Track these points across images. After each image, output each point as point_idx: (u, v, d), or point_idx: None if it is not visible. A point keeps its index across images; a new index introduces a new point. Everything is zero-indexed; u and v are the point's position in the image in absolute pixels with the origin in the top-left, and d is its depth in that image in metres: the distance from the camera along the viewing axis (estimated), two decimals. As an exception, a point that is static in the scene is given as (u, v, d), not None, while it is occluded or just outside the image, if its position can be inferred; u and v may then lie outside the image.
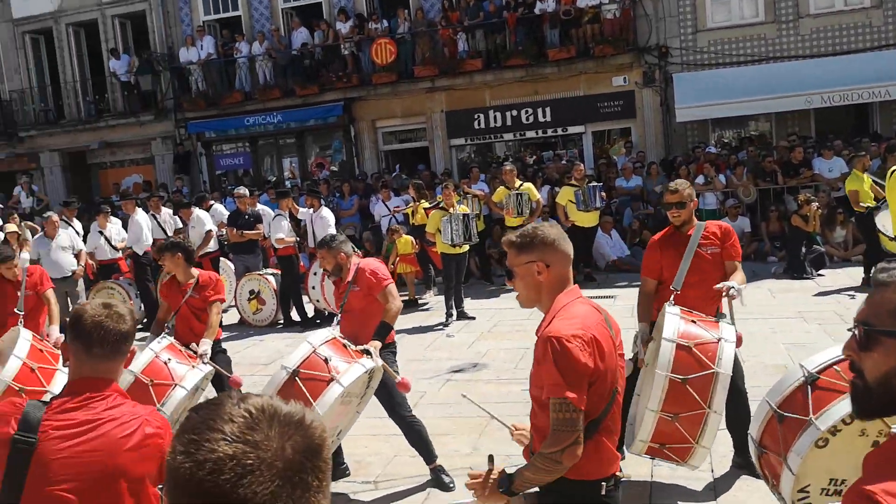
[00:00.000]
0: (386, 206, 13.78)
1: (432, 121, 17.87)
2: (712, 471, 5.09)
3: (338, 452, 5.55)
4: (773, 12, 15.70)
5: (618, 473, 2.77)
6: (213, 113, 19.11)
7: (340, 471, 5.56)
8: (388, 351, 5.25)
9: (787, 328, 8.48)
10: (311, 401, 4.33)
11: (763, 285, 10.86)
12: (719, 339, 4.18)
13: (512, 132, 17.55)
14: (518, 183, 11.84)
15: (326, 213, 10.88)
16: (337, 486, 5.41)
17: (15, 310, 6.50)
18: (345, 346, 4.76)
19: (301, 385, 4.40)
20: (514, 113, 17.22)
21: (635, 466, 4.87)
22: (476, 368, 7.98)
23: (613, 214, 13.82)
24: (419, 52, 17.24)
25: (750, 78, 15.26)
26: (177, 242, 6.31)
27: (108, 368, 2.36)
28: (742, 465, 4.95)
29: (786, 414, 3.03)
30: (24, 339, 5.85)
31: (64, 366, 5.90)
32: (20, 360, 5.62)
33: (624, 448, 4.32)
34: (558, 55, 16.26)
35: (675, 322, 4.26)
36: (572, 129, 17.26)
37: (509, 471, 2.71)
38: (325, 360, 4.53)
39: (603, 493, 2.69)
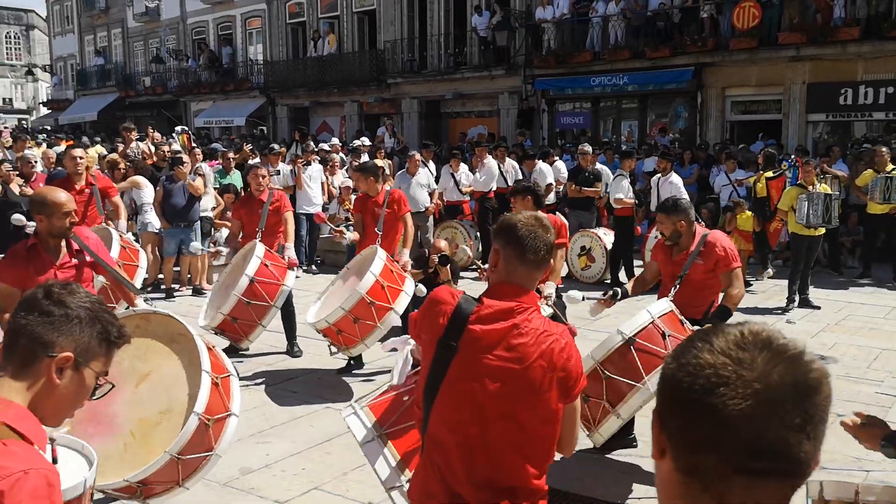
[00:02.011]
0: (728, 177, 13.10)
1: (791, 92, 16.49)
2: None
3: (630, 424, 5.18)
4: None
5: None
6: (560, 71, 19.51)
7: (628, 441, 5.41)
8: None
9: None
10: (643, 375, 4.16)
11: None
12: None
13: (884, 111, 15.57)
14: (890, 167, 10.57)
15: (675, 179, 10.56)
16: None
17: (376, 229, 7.30)
18: (681, 322, 4.49)
19: (635, 355, 4.22)
20: (891, 90, 15.26)
21: None
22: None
23: None
24: (787, 17, 15.94)
25: None
26: (527, 186, 6.57)
27: (533, 277, 2.48)
28: None
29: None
30: (379, 258, 6.48)
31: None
32: (374, 276, 6.27)
33: None
34: (959, 25, 14.10)
35: None
36: (964, 112, 14.94)
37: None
38: (662, 335, 4.30)
39: None
